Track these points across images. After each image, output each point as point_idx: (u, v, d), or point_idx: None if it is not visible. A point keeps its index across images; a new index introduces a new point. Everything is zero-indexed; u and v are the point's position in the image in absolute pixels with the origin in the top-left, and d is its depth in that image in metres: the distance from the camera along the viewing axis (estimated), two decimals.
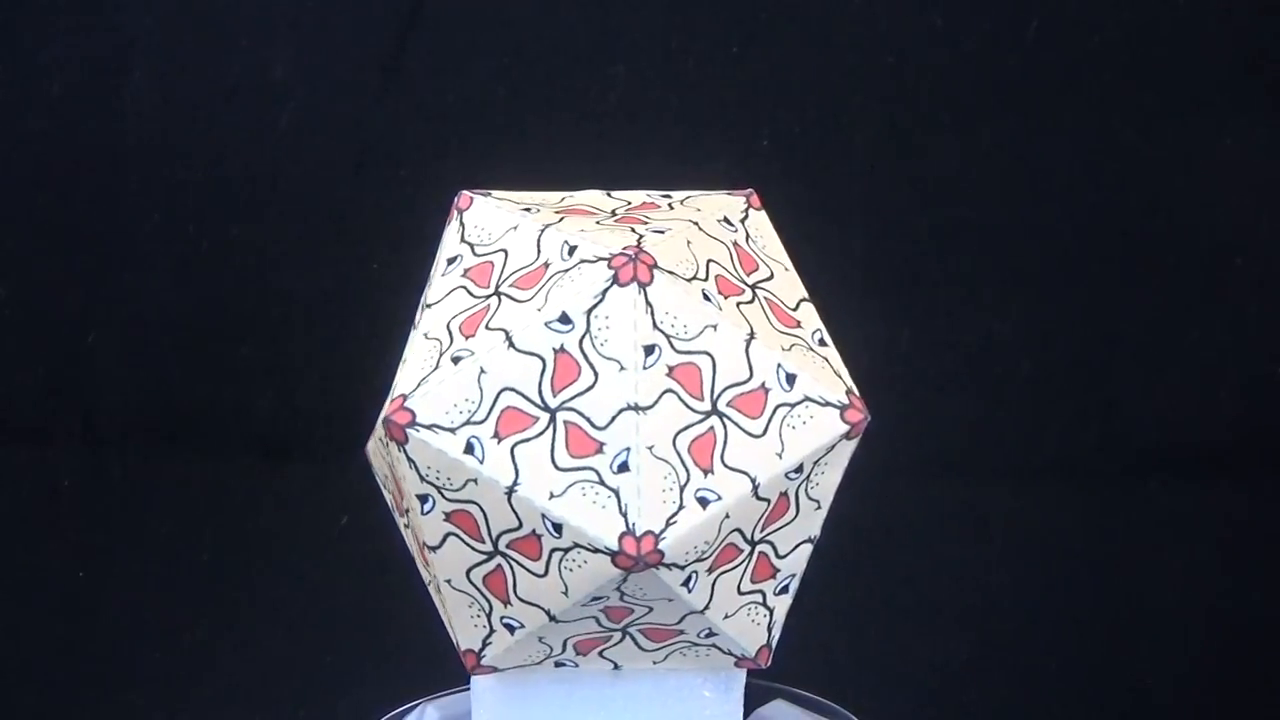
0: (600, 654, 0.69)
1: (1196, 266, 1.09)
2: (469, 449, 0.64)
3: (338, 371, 1.07)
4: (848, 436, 0.65)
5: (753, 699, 0.74)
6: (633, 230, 0.66)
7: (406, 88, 1.07)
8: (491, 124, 1.07)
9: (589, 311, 0.63)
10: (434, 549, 0.66)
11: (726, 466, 0.63)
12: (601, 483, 0.63)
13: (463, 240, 0.67)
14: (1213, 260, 1.09)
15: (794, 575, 0.67)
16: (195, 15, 1.07)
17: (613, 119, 1.07)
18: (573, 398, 0.63)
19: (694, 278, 0.65)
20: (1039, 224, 1.09)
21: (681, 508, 0.63)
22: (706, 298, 0.64)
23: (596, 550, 0.63)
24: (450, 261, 0.67)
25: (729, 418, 0.64)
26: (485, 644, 0.67)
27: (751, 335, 0.64)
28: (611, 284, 0.64)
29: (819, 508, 0.66)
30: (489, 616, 0.67)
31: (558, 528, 0.63)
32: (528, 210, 0.68)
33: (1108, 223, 1.09)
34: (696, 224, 0.67)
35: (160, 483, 1.11)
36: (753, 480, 0.63)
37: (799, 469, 0.64)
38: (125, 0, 1.06)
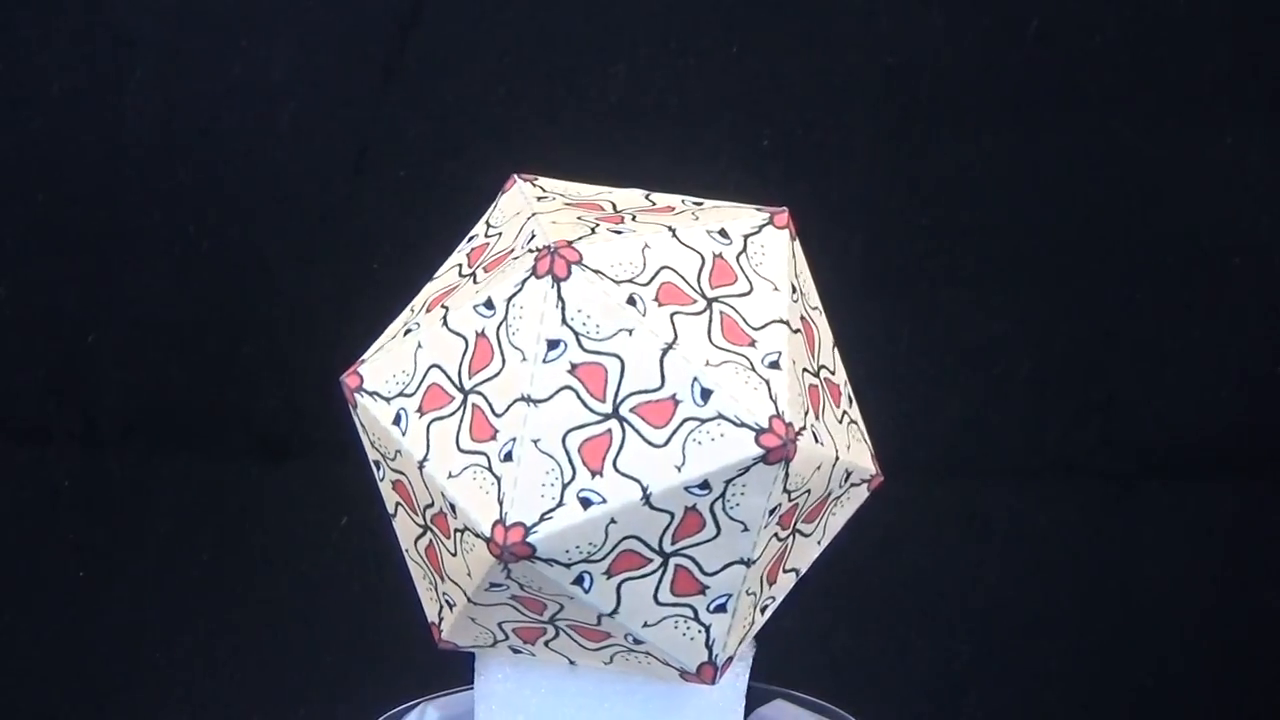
0: (546, 645, 0.69)
1: (1196, 266, 1.09)
2: (396, 419, 0.66)
3: (338, 371, 1.07)
4: (765, 461, 0.63)
5: (753, 699, 0.74)
6: (593, 229, 0.66)
7: (406, 88, 1.07)
8: (491, 124, 1.07)
9: (509, 299, 0.64)
10: (392, 516, 0.68)
11: (618, 471, 0.63)
12: (489, 469, 0.63)
13: (486, 221, 0.69)
14: (1213, 260, 1.09)
15: (730, 596, 0.65)
16: (195, 15, 1.07)
17: (613, 119, 1.07)
18: (482, 382, 0.64)
19: (629, 280, 0.64)
20: (1039, 224, 1.09)
21: (560, 504, 0.62)
22: (632, 301, 0.64)
23: (477, 535, 0.63)
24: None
25: (629, 423, 0.63)
26: (440, 618, 0.68)
27: (672, 344, 0.63)
28: (530, 275, 0.64)
29: (745, 530, 0.64)
30: (437, 590, 0.67)
31: (453, 508, 0.64)
32: (542, 199, 0.69)
33: (1108, 223, 1.09)
34: (673, 230, 0.66)
35: (160, 483, 1.11)
36: (644, 489, 0.63)
37: (704, 485, 0.63)
38: (125, 0, 1.06)
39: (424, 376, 0.66)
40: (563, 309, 0.63)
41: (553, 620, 0.67)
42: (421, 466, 0.65)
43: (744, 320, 0.65)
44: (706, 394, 0.63)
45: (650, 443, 0.62)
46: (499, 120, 1.07)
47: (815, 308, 0.69)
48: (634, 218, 0.68)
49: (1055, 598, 1.12)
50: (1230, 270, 1.09)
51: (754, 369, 0.64)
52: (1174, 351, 1.10)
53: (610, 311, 0.63)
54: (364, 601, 1.10)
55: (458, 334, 0.65)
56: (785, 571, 0.69)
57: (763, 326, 0.65)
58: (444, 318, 0.66)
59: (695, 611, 0.66)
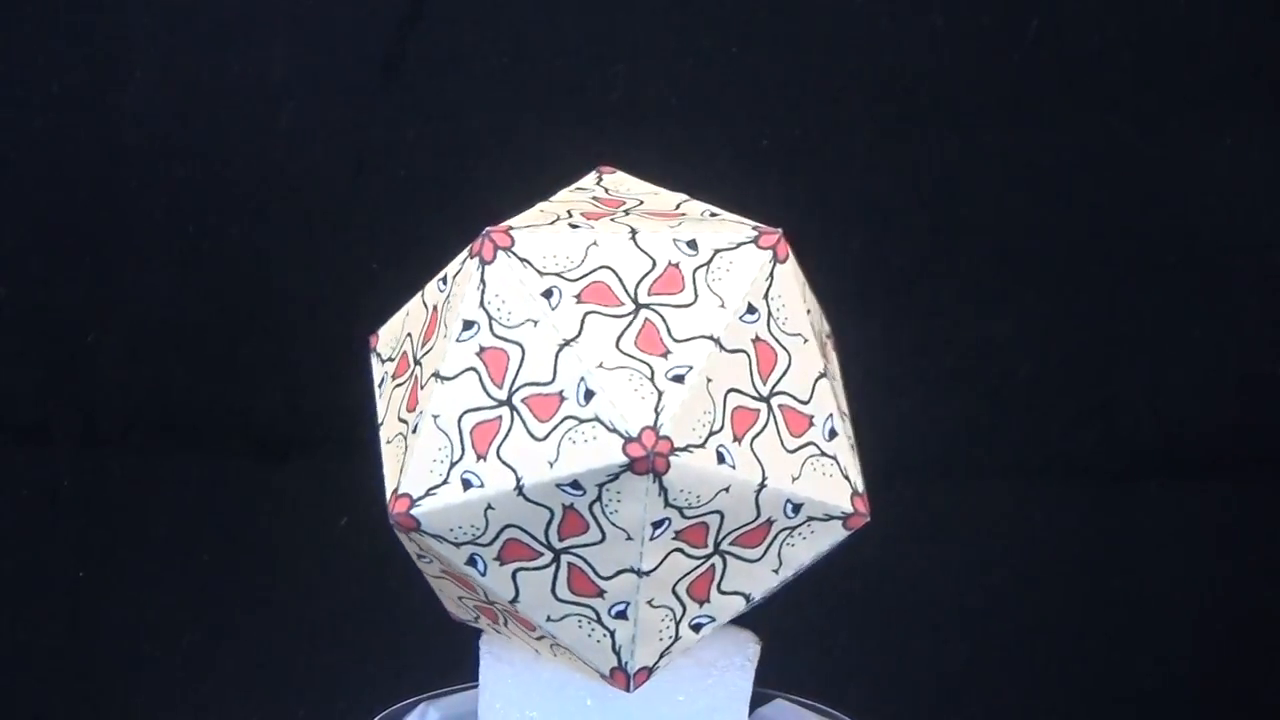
0: (506, 627, 0.69)
1: (1196, 266, 1.09)
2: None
3: (338, 371, 1.07)
4: (632, 470, 0.62)
5: (753, 700, 0.74)
6: (558, 220, 0.67)
7: (406, 88, 1.07)
8: (491, 124, 1.07)
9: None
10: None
11: (499, 458, 0.63)
12: (405, 439, 0.65)
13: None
14: (1213, 260, 1.09)
15: (627, 603, 0.65)
16: (195, 15, 1.07)
17: (613, 118, 1.07)
18: (424, 354, 0.66)
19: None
20: (1039, 224, 1.09)
21: (445, 482, 0.64)
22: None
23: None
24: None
25: (518, 412, 0.63)
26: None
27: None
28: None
29: (629, 538, 0.64)
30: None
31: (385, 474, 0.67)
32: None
33: (1108, 223, 1.09)
34: (635, 232, 0.66)
35: (160, 483, 1.11)
36: (518, 479, 0.63)
37: (575, 485, 0.63)
38: (125, 0, 1.06)
39: (402, 344, 0.68)
40: (483, 291, 0.64)
41: (488, 602, 0.68)
42: (379, 427, 0.67)
43: (668, 331, 0.64)
44: (589, 395, 0.63)
45: (531, 435, 0.63)
46: (499, 120, 1.07)
47: (795, 334, 0.67)
48: (627, 215, 0.68)
49: (1055, 598, 1.12)
50: (1230, 270, 1.09)
51: (652, 379, 0.63)
52: (1174, 351, 1.10)
53: (523, 300, 0.64)
54: (364, 601, 1.10)
55: (426, 305, 0.68)
56: (724, 593, 0.67)
57: (685, 340, 0.64)
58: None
59: (597, 614, 0.66)
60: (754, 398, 0.65)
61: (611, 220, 0.67)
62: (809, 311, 0.68)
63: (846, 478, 0.67)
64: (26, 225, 1.09)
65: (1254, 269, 1.09)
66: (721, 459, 0.64)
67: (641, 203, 0.70)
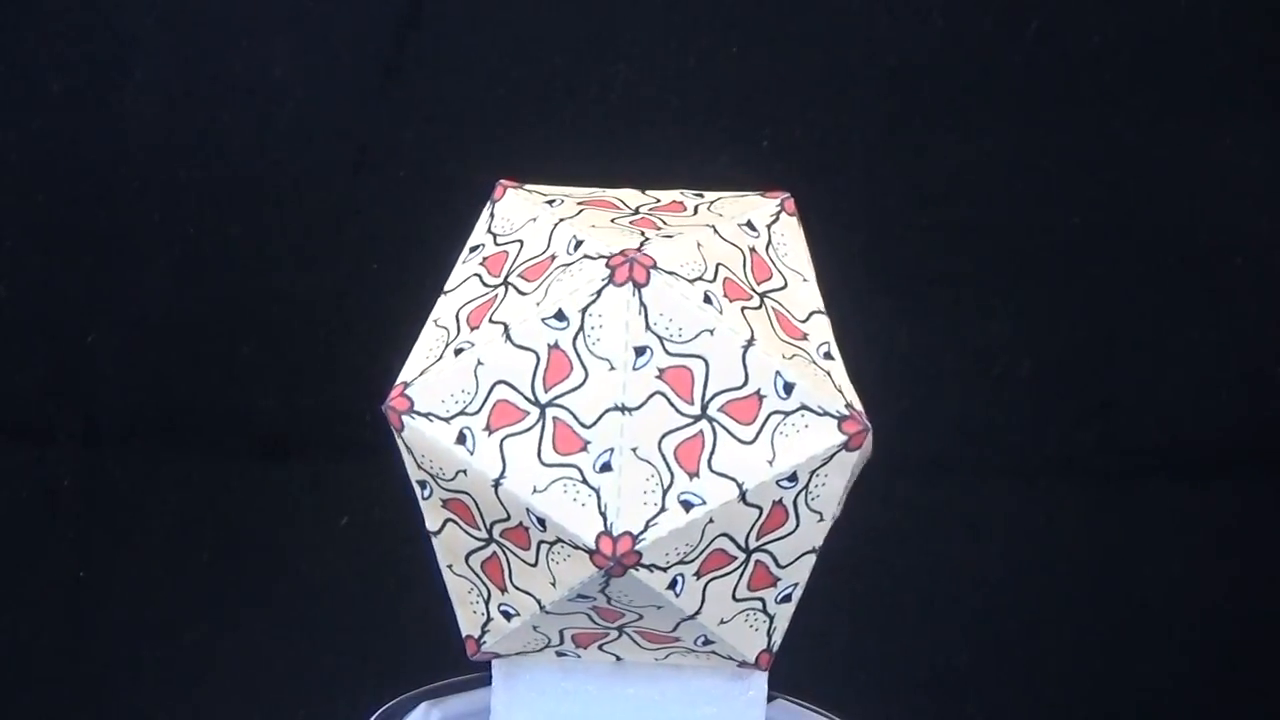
0: (600, 648, 0.69)
1: (1196, 266, 1.09)
2: (460, 439, 0.65)
3: (338, 371, 1.07)
4: (846, 448, 0.64)
5: None
6: (643, 232, 0.66)
7: (406, 88, 1.07)
8: (491, 124, 1.07)
9: (584, 309, 0.64)
10: (435, 534, 0.67)
11: (713, 471, 0.63)
12: (584, 481, 0.63)
13: (488, 230, 0.69)
14: (1213, 260, 1.09)
15: (796, 584, 0.67)
16: (195, 15, 1.07)
17: (613, 118, 1.07)
18: (562, 394, 0.64)
19: (699, 279, 0.65)
20: (1039, 224, 1.09)
21: (663, 510, 0.63)
22: (708, 300, 0.64)
23: (576, 547, 0.63)
24: (473, 250, 0.68)
25: (719, 422, 0.63)
26: (484, 630, 0.68)
27: (751, 341, 0.64)
28: (608, 283, 0.64)
29: (821, 519, 0.66)
30: (487, 603, 0.67)
31: (541, 522, 0.63)
32: (551, 203, 0.69)
33: (1108, 223, 1.09)
34: (714, 227, 0.67)
35: (160, 483, 1.11)
36: (740, 486, 0.63)
37: (792, 477, 0.64)
38: (125, 0, 1.06)
39: (489, 394, 0.65)
40: (645, 315, 0.64)
41: (623, 627, 0.67)
42: (498, 484, 0.64)
43: (791, 315, 0.66)
44: (789, 387, 0.64)
45: (740, 440, 0.63)
46: (499, 120, 1.07)
47: (794, 269, 0.70)
48: (663, 220, 0.68)
49: (1055, 598, 1.12)
50: (1230, 270, 1.09)
51: (814, 361, 0.65)
52: (1174, 351, 1.10)
53: (691, 313, 0.64)
54: (363, 601, 1.10)
55: (526, 348, 0.65)
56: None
57: (807, 318, 0.67)
58: (505, 333, 0.65)
59: (764, 604, 0.67)
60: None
61: (661, 219, 0.68)
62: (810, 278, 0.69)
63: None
64: (26, 225, 1.09)
65: (1254, 269, 1.09)
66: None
67: (624, 200, 0.71)
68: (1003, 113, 1.07)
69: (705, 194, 0.70)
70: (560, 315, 0.64)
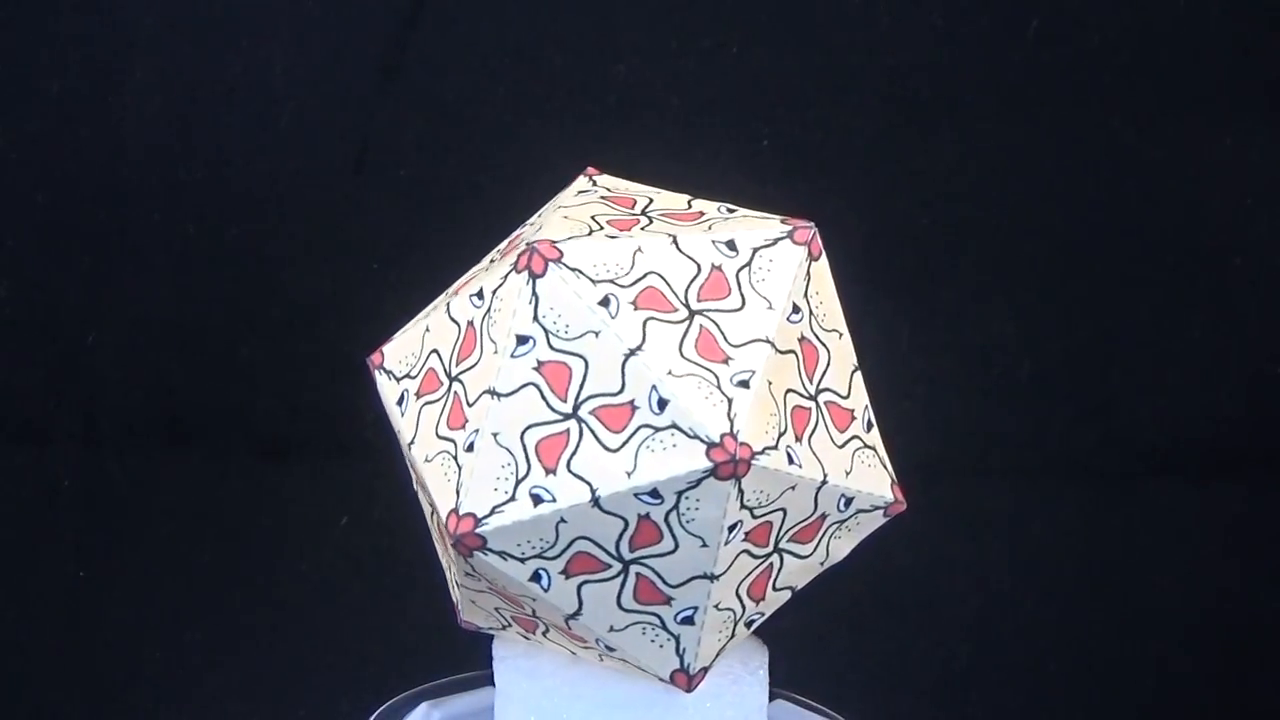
0: (544, 636, 0.69)
1: (1196, 266, 1.09)
2: (400, 399, 0.67)
3: (338, 371, 1.07)
4: (715, 475, 0.62)
5: None
6: (595, 229, 0.66)
7: (406, 88, 1.07)
8: (491, 124, 1.07)
9: (494, 291, 0.65)
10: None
11: (570, 471, 0.63)
12: (454, 458, 0.64)
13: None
14: (1213, 260, 1.09)
15: (696, 608, 0.66)
16: (195, 15, 1.07)
17: (613, 119, 1.07)
18: (464, 371, 0.66)
19: (607, 281, 0.64)
20: (1039, 224, 1.09)
21: (512, 499, 0.63)
22: (605, 303, 0.64)
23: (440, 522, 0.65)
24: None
25: (587, 425, 0.63)
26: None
27: (635, 350, 0.63)
28: (512, 269, 0.65)
29: (704, 545, 0.64)
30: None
31: (427, 491, 0.66)
32: (585, 191, 0.68)
33: (1108, 223, 1.09)
34: (675, 237, 0.66)
35: (160, 483, 1.11)
36: (594, 490, 0.63)
37: (654, 494, 0.63)
38: (125, 0, 1.06)
39: (425, 360, 0.67)
40: (535, 305, 0.64)
41: (535, 616, 0.67)
42: (410, 447, 0.66)
43: (724, 336, 0.65)
44: (663, 403, 0.63)
45: (604, 446, 0.63)
46: (499, 120, 1.07)
47: (832, 330, 0.68)
48: (651, 220, 0.68)
49: (1055, 598, 1.12)
50: (1230, 270, 1.09)
51: (719, 386, 0.63)
52: (1174, 351, 1.10)
53: (580, 312, 0.64)
54: (363, 601, 1.10)
55: (454, 321, 0.66)
56: (776, 590, 0.69)
57: (743, 344, 0.65)
58: (448, 305, 0.67)
59: (662, 620, 0.66)
60: (805, 396, 0.66)
61: (642, 228, 0.67)
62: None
63: (885, 466, 0.69)
64: (26, 225, 1.09)
65: (1254, 269, 1.09)
66: (791, 459, 0.64)
67: (652, 201, 0.70)
68: (1002, 113, 1.07)
69: (738, 210, 0.69)
70: (480, 294, 0.66)
